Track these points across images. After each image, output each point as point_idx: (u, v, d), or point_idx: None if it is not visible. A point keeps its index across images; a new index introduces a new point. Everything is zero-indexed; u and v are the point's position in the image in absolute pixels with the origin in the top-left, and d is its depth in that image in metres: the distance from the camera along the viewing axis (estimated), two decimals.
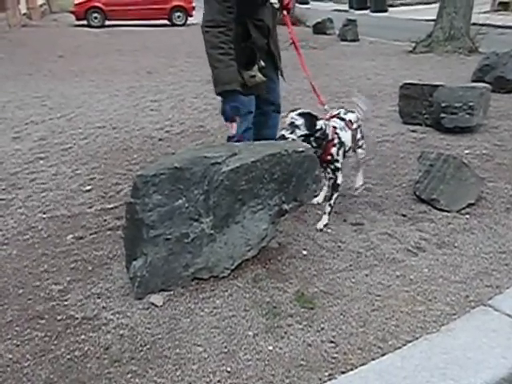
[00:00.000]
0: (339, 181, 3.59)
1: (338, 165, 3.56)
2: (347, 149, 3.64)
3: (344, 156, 3.62)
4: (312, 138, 3.39)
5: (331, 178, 3.61)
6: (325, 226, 3.56)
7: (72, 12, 19.45)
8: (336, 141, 3.50)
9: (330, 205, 3.62)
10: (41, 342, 2.53)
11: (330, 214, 3.62)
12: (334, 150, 3.50)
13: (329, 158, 3.51)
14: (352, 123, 3.74)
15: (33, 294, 2.91)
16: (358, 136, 3.89)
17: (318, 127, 3.39)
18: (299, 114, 3.38)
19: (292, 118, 3.37)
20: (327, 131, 3.45)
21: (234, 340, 2.52)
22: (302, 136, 3.35)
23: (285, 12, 3.66)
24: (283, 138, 3.33)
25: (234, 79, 3.16)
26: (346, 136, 3.61)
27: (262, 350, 2.46)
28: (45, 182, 4.51)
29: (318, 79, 8.44)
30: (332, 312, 2.71)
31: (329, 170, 3.58)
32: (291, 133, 3.35)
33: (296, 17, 14.97)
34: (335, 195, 3.62)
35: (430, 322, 2.61)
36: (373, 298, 2.82)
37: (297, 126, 3.35)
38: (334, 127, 3.54)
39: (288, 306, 2.76)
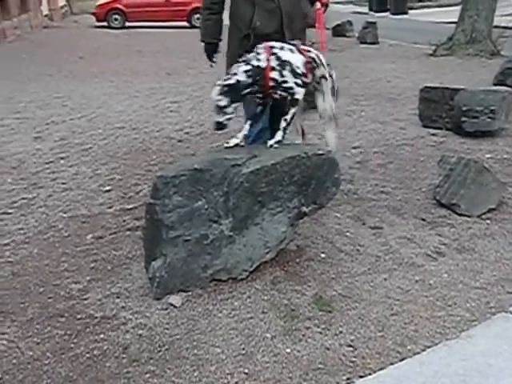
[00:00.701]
0: (297, 96, 3.16)
1: (289, 85, 3.10)
2: (299, 71, 3.12)
3: (298, 77, 3.13)
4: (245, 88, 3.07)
5: (284, 99, 3.17)
6: (276, 142, 3.17)
7: (93, 13, 19.61)
8: (274, 63, 3.07)
9: (285, 119, 3.20)
10: (61, 340, 2.56)
11: (284, 130, 3.21)
12: (275, 75, 3.07)
13: (271, 84, 3.09)
14: (306, 50, 3.24)
15: (53, 293, 2.95)
16: (319, 73, 3.29)
17: (238, 79, 3.03)
18: (221, 93, 3.01)
19: (216, 99, 3.02)
20: (256, 63, 3.04)
21: (252, 342, 2.52)
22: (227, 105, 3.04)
23: (318, 4, 3.52)
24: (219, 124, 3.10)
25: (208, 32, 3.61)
26: (294, 57, 3.14)
27: (279, 352, 2.46)
28: (65, 181, 4.55)
29: (337, 81, 8.44)
30: (350, 316, 2.71)
31: (277, 95, 3.15)
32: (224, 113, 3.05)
33: (315, 19, 14.94)
34: (292, 110, 3.18)
35: (449, 327, 2.59)
36: (391, 302, 2.81)
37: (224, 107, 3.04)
38: (271, 47, 3.11)
39: (306, 309, 2.75)
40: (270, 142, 3.17)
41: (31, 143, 5.61)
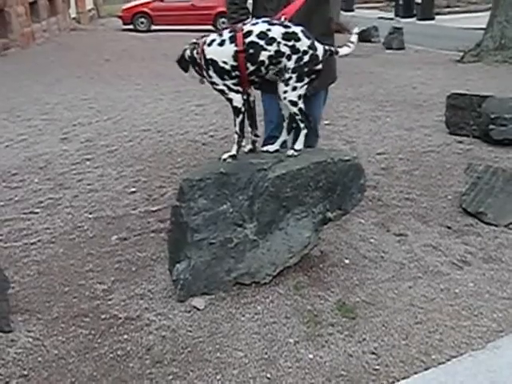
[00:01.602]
0: (235, 103, 2.89)
1: (219, 87, 2.88)
2: (227, 67, 2.81)
3: (226, 78, 2.84)
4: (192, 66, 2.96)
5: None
6: (230, 156, 2.97)
7: (119, 17, 19.84)
8: (202, 61, 2.87)
9: (236, 132, 2.96)
10: (85, 340, 2.58)
11: (238, 144, 2.98)
12: (205, 73, 2.90)
13: (207, 80, 2.94)
14: (245, 35, 2.78)
15: (78, 293, 2.98)
16: (269, 52, 2.79)
17: (185, 55, 2.96)
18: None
19: None
20: (195, 54, 2.91)
21: (275, 347, 2.52)
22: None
23: None
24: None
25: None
26: (219, 51, 2.81)
27: (302, 357, 2.45)
28: (91, 182, 4.60)
29: (362, 87, 8.42)
30: (374, 323, 2.68)
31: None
32: None
33: (341, 24, 14.90)
34: (237, 120, 2.92)
35: (475, 337, 2.55)
36: (416, 310, 2.78)
37: None
38: (203, 43, 2.87)
39: (329, 315, 2.74)
40: (224, 157, 2.99)
41: (58, 144, 5.69)
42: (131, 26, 19.22)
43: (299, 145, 3.00)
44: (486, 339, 2.54)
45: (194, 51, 2.92)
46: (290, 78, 2.79)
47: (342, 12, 16.36)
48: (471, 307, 2.79)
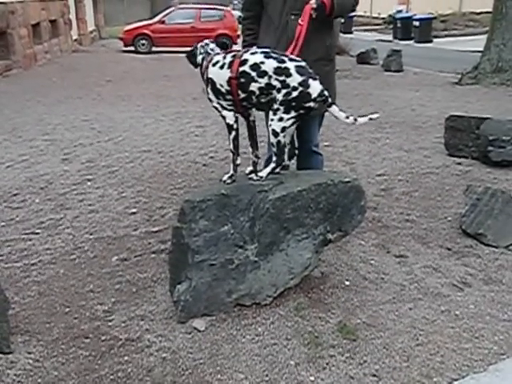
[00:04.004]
0: (227, 120, 3.00)
1: (214, 104, 3.00)
2: (223, 90, 2.91)
3: (221, 98, 2.95)
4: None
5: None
6: (229, 177, 3.05)
7: (120, 38, 20.06)
8: (205, 77, 3.01)
9: (230, 150, 3.07)
10: (85, 361, 2.58)
11: (234, 162, 3.06)
12: (204, 89, 3.03)
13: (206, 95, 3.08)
14: (241, 63, 2.85)
15: (78, 313, 2.97)
16: (260, 84, 2.84)
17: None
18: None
19: None
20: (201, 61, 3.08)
21: (276, 369, 2.51)
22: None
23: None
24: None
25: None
26: (219, 74, 2.90)
27: (303, 380, 2.44)
28: (92, 203, 4.62)
29: (362, 109, 8.46)
30: (375, 345, 2.68)
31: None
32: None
33: (340, 46, 15.06)
34: (230, 137, 3.04)
35: (476, 360, 2.55)
36: (417, 332, 2.77)
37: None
38: (210, 61, 3.00)
39: (330, 337, 2.74)
40: (224, 178, 3.06)
41: (59, 165, 5.71)
42: (132, 48, 19.43)
43: (263, 173, 3.02)
44: (488, 362, 2.54)
45: (204, 61, 3.04)
46: (278, 109, 2.84)
47: (340, 34, 16.55)
48: (472, 329, 2.79)
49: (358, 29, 29.22)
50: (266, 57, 2.84)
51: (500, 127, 5.29)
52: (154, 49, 19.47)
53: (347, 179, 3.05)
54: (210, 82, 2.95)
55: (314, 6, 3.13)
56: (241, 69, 2.84)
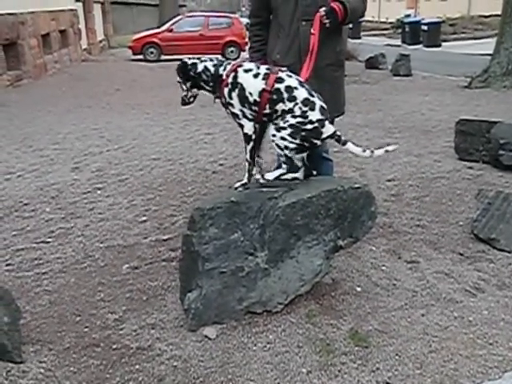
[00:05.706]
0: (246, 130, 2.98)
1: (235, 110, 2.97)
2: (251, 99, 2.90)
3: (246, 106, 2.94)
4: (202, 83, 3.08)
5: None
6: (242, 185, 3.05)
7: (129, 47, 20.19)
8: (230, 80, 2.95)
9: (246, 159, 3.06)
10: (96, 370, 2.57)
11: (249, 172, 3.06)
12: (226, 91, 2.97)
13: (223, 100, 3.03)
14: (278, 78, 2.89)
15: (89, 322, 2.97)
16: (281, 107, 2.88)
17: (199, 69, 3.05)
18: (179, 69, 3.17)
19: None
20: (220, 71, 2.99)
21: (287, 377, 2.49)
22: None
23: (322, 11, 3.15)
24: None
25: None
26: (250, 81, 2.90)
27: None
28: (102, 211, 4.63)
29: (370, 114, 8.46)
30: (387, 352, 2.65)
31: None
32: None
33: (348, 51, 15.06)
34: (247, 147, 3.01)
35: (491, 367, 2.52)
36: (430, 339, 2.75)
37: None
38: (239, 66, 2.98)
39: (342, 344, 2.71)
40: (236, 185, 3.07)
41: (69, 174, 5.74)
42: (141, 56, 19.55)
43: (270, 176, 3.05)
44: (503, 368, 2.51)
45: (221, 68, 3.00)
46: (284, 128, 2.87)
47: (349, 39, 16.55)
48: (486, 335, 2.76)
49: (366, 34, 29.25)
50: (300, 84, 2.90)
51: (511, 130, 5.25)
52: (162, 57, 19.57)
53: (357, 185, 3.03)
54: (239, 86, 2.93)
55: (323, 13, 3.13)
56: (276, 85, 2.87)
